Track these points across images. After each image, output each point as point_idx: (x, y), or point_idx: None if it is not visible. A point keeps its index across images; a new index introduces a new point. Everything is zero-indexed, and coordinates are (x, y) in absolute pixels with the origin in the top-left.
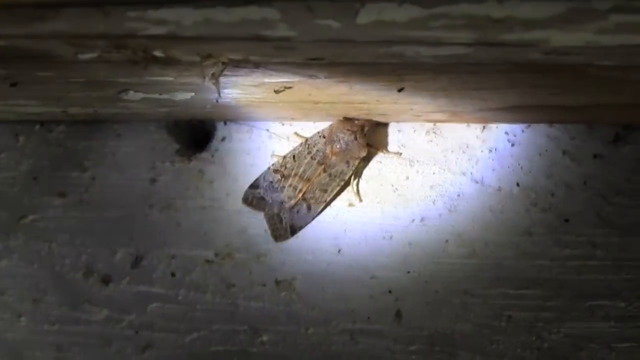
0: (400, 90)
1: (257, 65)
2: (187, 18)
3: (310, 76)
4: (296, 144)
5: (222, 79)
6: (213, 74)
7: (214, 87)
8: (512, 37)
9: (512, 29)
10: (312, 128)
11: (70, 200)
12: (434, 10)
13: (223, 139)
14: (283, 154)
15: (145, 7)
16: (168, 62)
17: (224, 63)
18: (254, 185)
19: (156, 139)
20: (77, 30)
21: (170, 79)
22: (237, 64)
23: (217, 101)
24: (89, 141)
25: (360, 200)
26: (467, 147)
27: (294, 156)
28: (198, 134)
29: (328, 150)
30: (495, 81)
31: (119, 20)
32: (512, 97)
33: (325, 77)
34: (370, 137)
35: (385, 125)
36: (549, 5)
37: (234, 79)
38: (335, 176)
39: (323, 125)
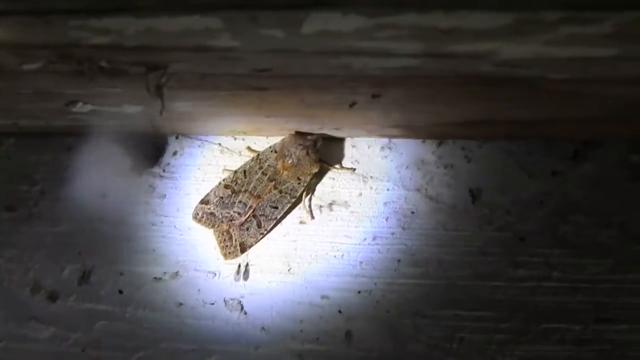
0: (352, 106)
1: (203, 77)
2: (130, 27)
3: (259, 88)
4: (248, 159)
5: (168, 91)
6: (157, 86)
7: (158, 100)
8: (460, 49)
9: (460, 39)
10: (265, 142)
11: (19, 214)
12: (379, 20)
13: (174, 153)
14: (234, 168)
15: (87, 16)
16: (114, 73)
17: (168, 74)
18: (205, 201)
19: (107, 153)
20: (18, 40)
21: (118, 90)
22: (183, 76)
23: (161, 113)
24: (39, 154)
25: (312, 218)
26: (423, 163)
27: (244, 171)
28: (149, 148)
29: (279, 166)
30: (448, 95)
31: (60, 29)
32: (466, 111)
33: (275, 90)
34: (324, 152)
35: (339, 140)
36: (497, 15)
37: (181, 91)
38: (286, 193)
39: (276, 139)
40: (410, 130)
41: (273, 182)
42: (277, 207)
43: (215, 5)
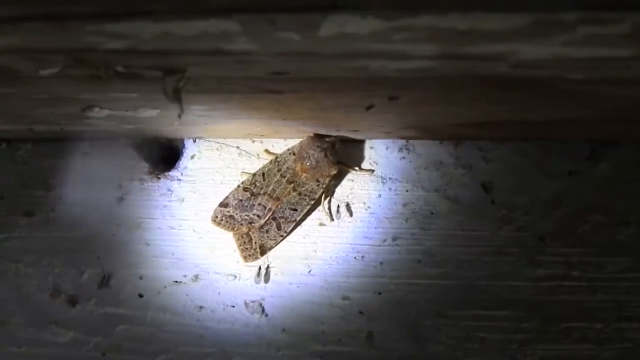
0: (369, 108)
1: (220, 81)
2: (146, 32)
3: (276, 92)
4: (266, 161)
5: (185, 95)
6: (175, 90)
7: (176, 103)
8: (477, 50)
9: (477, 41)
10: (283, 145)
11: (37, 219)
12: (397, 23)
13: (192, 157)
14: (253, 171)
15: (103, 20)
16: (131, 77)
17: (186, 78)
18: (224, 204)
19: (124, 157)
20: (35, 45)
21: (135, 95)
22: (200, 79)
23: (179, 117)
24: (55, 159)
25: (332, 220)
26: (441, 164)
27: (263, 174)
28: (167, 152)
29: (298, 168)
30: (464, 96)
31: (77, 34)
32: (483, 112)
33: (291, 93)
34: (342, 154)
35: (358, 142)
36: (514, 16)
37: (198, 95)
38: (305, 195)
39: (294, 142)
40: (427, 131)
41: (292, 185)
42: (296, 209)
43: (231, 8)
